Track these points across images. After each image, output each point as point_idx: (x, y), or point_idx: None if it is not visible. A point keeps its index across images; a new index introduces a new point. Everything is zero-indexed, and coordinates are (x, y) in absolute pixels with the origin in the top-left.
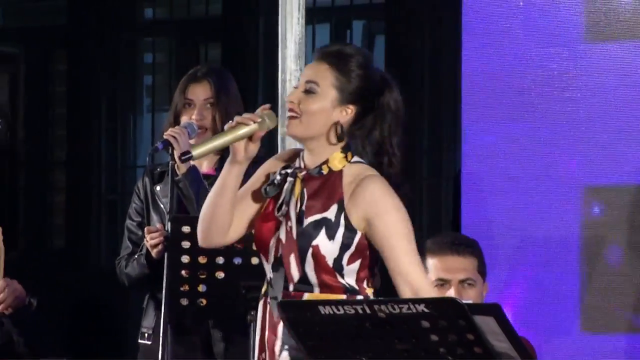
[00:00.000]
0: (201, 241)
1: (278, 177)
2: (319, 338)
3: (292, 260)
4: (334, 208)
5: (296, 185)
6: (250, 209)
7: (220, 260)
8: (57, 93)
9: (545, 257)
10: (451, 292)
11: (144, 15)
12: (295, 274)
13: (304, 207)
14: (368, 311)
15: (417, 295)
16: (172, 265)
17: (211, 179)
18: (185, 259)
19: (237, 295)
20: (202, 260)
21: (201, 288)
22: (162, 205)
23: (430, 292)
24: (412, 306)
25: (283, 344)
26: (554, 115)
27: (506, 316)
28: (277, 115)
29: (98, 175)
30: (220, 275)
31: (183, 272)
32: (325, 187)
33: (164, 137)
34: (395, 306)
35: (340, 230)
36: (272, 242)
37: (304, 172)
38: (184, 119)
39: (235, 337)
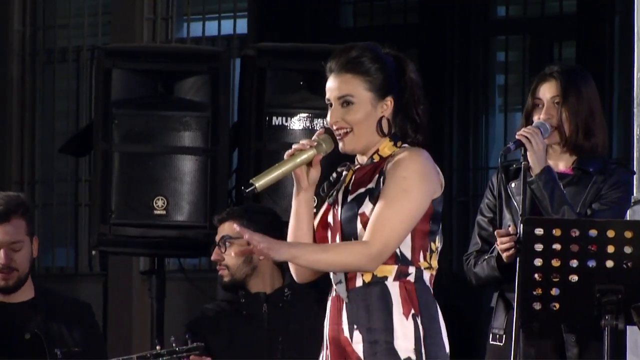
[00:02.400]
0: (295, 277)
1: (334, 175)
2: None
3: (337, 240)
4: (376, 179)
5: (348, 175)
6: None
7: (574, 263)
8: None
9: None
10: None
11: (497, 12)
12: None
13: (349, 187)
14: None
15: (368, 231)
16: (525, 268)
17: (568, 178)
18: (537, 262)
19: (591, 299)
20: (555, 263)
21: (554, 292)
22: (515, 203)
23: (383, 239)
24: None
25: (352, 324)
26: None
27: None
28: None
29: (449, 176)
30: (574, 278)
31: (536, 275)
32: (373, 169)
33: (516, 137)
34: None
35: None
36: (328, 234)
37: (357, 166)
38: (535, 119)
39: (589, 342)
